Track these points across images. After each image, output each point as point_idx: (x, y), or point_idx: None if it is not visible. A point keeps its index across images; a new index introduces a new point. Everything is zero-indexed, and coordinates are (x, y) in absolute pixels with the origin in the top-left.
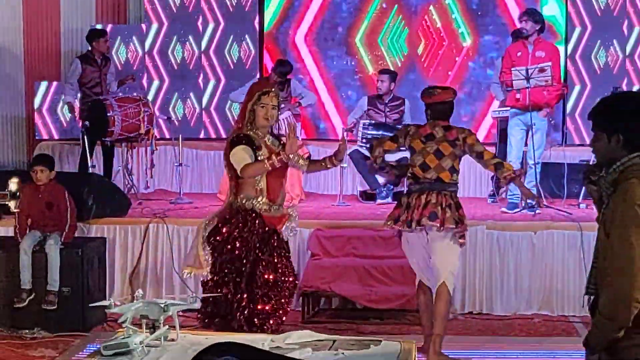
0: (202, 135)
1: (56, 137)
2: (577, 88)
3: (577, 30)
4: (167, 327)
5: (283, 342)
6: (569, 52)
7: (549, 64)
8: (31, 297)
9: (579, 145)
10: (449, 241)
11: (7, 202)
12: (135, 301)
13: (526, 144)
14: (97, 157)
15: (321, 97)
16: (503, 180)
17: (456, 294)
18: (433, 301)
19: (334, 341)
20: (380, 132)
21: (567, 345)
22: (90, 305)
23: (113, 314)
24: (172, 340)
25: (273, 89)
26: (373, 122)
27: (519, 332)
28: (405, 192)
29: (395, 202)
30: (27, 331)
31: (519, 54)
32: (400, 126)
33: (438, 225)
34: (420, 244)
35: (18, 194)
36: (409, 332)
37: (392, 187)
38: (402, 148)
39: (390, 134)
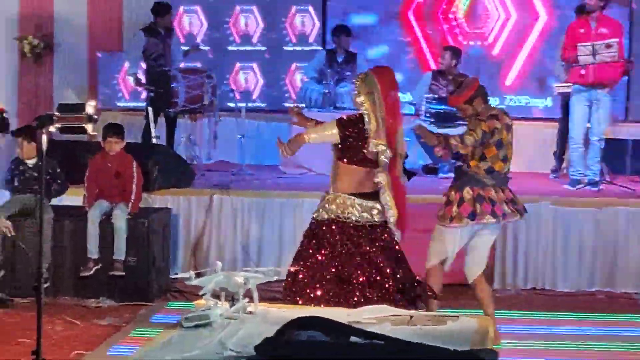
0: (265, 107)
1: (119, 107)
2: None
3: None
4: (246, 299)
5: (361, 317)
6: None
7: (616, 40)
8: (98, 267)
9: None
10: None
11: (83, 125)
12: (214, 274)
13: (589, 120)
14: (160, 128)
15: None
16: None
17: (519, 269)
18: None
19: (411, 316)
20: (443, 107)
21: (630, 322)
22: (170, 277)
23: (176, 284)
24: (251, 312)
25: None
26: (436, 96)
27: (581, 308)
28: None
29: None
30: (92, 300)
31: (581, 30)
32: None
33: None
34: (468, 236)
35: (95, 117)
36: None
37: (454, 161)
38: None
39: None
